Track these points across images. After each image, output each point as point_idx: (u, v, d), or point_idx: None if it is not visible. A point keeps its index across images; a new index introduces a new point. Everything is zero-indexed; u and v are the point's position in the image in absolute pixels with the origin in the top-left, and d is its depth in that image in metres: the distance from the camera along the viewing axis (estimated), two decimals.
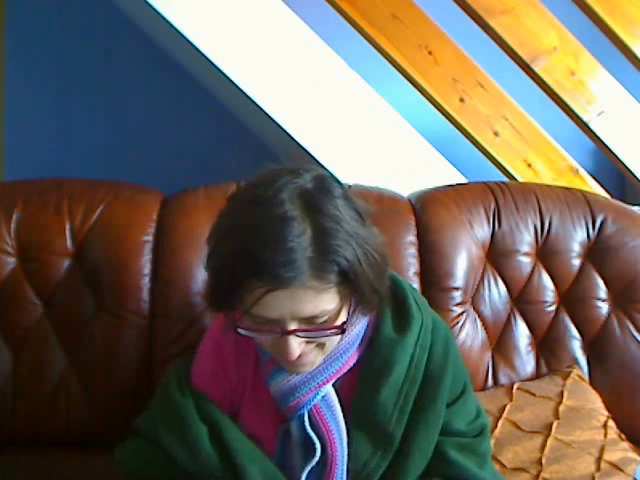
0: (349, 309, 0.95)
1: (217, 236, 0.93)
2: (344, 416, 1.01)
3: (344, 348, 1.00)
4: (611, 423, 1.29)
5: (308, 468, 1.00)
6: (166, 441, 1.01)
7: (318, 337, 0.93)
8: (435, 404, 1.02)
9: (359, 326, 1.01)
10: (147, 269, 1.28)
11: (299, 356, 0.93)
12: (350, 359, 1.01)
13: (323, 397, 1.01)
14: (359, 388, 1.02)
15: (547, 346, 1.37)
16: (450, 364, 1.04)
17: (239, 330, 0.93)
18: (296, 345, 0.91)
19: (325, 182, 0.93)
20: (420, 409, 1.02)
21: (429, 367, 1.03)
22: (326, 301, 0.90)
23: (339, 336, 0.95)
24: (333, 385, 1.02)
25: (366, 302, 0.95)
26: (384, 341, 1.02)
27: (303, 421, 1.00)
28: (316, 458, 0.99)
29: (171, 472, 1.01)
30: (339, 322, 0.93)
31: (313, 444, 0.99)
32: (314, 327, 0.91)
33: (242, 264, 0.88)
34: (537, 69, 1.92)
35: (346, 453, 1.01)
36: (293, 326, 0.90)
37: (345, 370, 1.01)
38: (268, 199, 0.89)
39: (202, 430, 1.00)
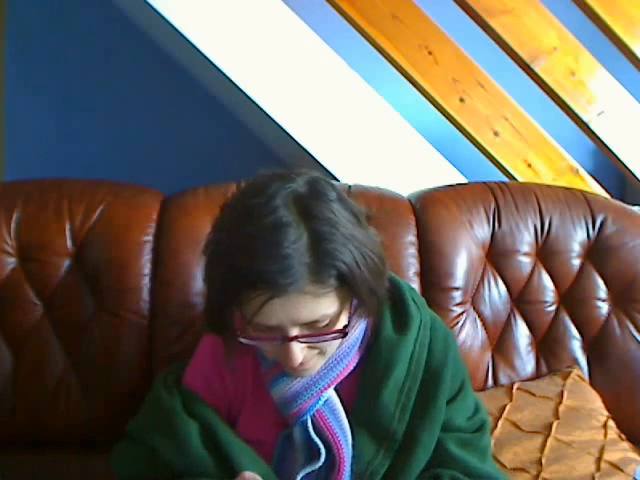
0: (349, 312, 0.94)
1: (211, 249, 0.92)
2: (346, 417, 1.01)
3: (344, 352, 1.00)
4: (611, 423, 1.29)
5: (304, 472, 0.99)
6: (155, 441, 1.01)
7: (320, 342, 0.93)
8: (437, 400, 1.02)
9: (358, 329, 1.01)
10: (147, 269, 1.28)
11: (302, 362, 0.92)
12: (351, 362, 1.01)
13: (325, 401, 1.00)
14: (361, 389, 1.02)
15: (547, 346, 1.37)
16: (450, 361, 1.05)
17: (241, 339, 0.92)
18: (298, 351, 0.91)
19: (319, 185, 0.92)
20: (423, 406, 1.02)
21: (429, 364, 1.04)
22: (325, 305, 0.89)
23: (340, 340, 0.95)
24: (334, 388, 1.02)
25: (365, 305, 0.95)
26: (385, 341, 1.02)
27: (306, 426, 0.99)
28: (320, 462, 0.99)
29: (161, 474, 1.00)
30: (340, 326, 0.93)
31: (317, 448, 0.99)
32: (315, 332, 0.91)
33: (239, 275, 0.87)
34: (537, 69, 1.92)
35: (351, 454, 1.00)
36: (294, 332, 0.90)
37: (346, 374, 1.01)
38: (261, 207, 0.87)
39: (192, 427, 0.99)
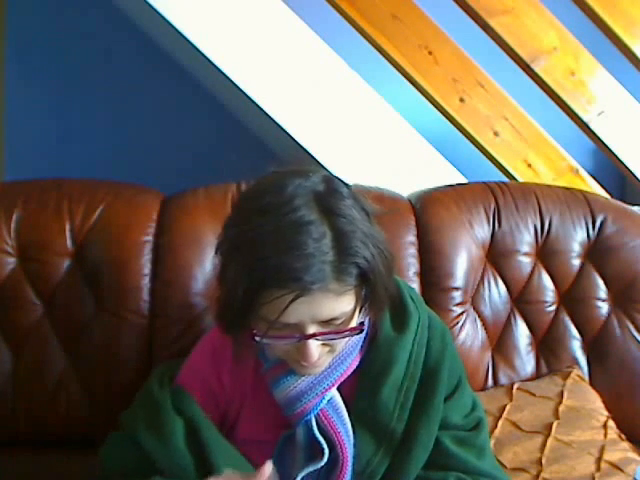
0: (361, 309, 0.94)
1: (228, 248, 0.91)
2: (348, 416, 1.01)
3: (348, 351, 1.00)
4: (611, 423, 1.29)
5: (305, 471, 0.99)
6: (141, 435, 1.00)
7: (337, 339, 0.93)
8: (435, 398, 1.02)
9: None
10: (147, 269, 1.28)
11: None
12: (354, 361, 1.01)
13: (329, 400, 1.00)
14: (360, 388, 1.02)
15: (547, 346, 1.37)
16: (447, 359, 1.05)
17: (257, 339, 0.91)
18: (315, 348, 0.91)
19: (334, 183, 0.92)
20: (421, 404, 1.02)
21: (427, 362, 1.04)
22: (345, 303, 0.89)
23: (349, 338, 0.95)
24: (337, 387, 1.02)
25: (378, 301, 0.95)
26: (384, 340, 1.03)
27: (310, 426, 0.99)
28: (323, 462, 0.99)
29: (145, 468, 0.99)
30: (354, 323, 0.92)
31: (321, 448, 0.99)
32: (333, 330, 0.91)
33: (261, 274, 0.85)
34: (537, 69, 1.92)
35: (353, 453, 1.00)
36: (312, 330, 0.89)
37: (349, 372, 1.01)
38: (282, 205, 0.87)
39: (177, 424, 0.99)
